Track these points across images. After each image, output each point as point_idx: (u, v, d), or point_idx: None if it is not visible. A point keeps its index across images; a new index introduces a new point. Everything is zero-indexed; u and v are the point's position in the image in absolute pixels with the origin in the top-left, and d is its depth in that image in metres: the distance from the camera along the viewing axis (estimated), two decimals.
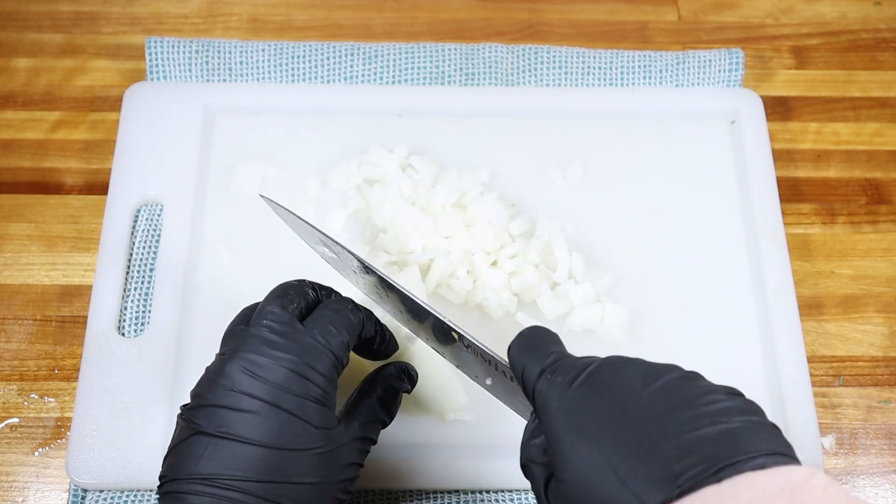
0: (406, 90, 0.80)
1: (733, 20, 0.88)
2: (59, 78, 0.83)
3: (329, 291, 0.56)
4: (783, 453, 0.40)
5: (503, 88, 0.80)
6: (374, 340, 0.57)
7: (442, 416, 0.65)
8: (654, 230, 0.74)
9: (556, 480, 0.44)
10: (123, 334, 0.68)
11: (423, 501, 0.64)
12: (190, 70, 0.79)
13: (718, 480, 0.38)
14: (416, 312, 0.56)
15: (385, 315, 0.61)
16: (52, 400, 0.68)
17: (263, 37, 0.85)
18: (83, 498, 0.63)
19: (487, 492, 0.64)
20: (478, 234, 0.70)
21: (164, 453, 0.51)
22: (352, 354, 0.56)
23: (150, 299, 0.70)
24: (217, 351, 0.53)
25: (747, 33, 0.87)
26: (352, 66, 0.80)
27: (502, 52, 0.81)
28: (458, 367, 0.56)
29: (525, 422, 0.50)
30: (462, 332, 0.53)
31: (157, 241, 0.72)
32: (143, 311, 0.69)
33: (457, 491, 0.64)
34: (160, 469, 0.51)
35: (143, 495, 0.63)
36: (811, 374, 0.69)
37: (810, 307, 0.73)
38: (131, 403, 0.65)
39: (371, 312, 0.57)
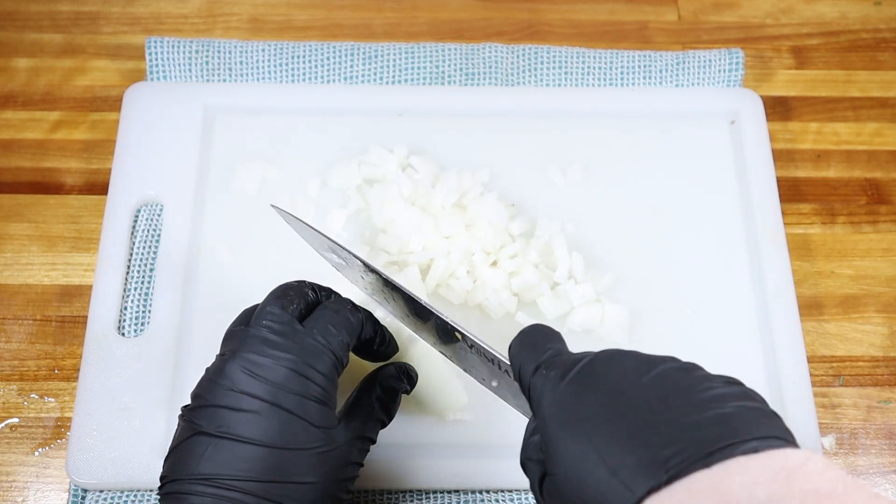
0: (406, 90, 0.80)
1: (733, 20, 0.88)
2: (59, 78, 0.83)
3: (329, 292, 0.56)
4: (779, 437, 0.39)
5: (503, 88, 0.80)
6: (373, 341, 0.57)
7: (442, 417, 0.65)
8: (654, 230, 0.74)
9: (549, 475, 0.43)
10: (123, 334, 0.68)
11: (423, 501, 0.64)
12: (190, 70, 0.79)
13: (708, 465, 0.37)
14: (420, 314, 0.56)
15: (386, 317, 0.61)
16: (52, 400, 0.68)
17: (263, 37, 0.85)
18: (83, 498, 0.63)
19: (487, 492, 0.64)
20: (478, 234, 0.70)
21: (165, 453, 0.51)
22: (351, 355, 0.56)
23: (150, 299, 0.70)
24: (217, 351, 0.53)
25: (747, 33, 0.87)
26: (352, 66, 0.80)
27: (502, 52, 0.81)
28: (464, 370, 0.56)
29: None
30: (465, 332, 0.53)
31: (157, 241, 0.72)
32: (143, 311, 0.69)
33: (457, 491, 0.64)
34: (160, 469, 0.51)
35: (143, 495, 0.63)
36: (811, 374, 0.69)
37: (810, 307, 0.73)
38: (131, 403, 0.65)
39: (370, 313, 0.57)
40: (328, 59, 0.80)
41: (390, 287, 0.56)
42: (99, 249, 0.71)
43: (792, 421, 0.66)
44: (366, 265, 0.56)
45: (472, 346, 0.53)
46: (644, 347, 0.46)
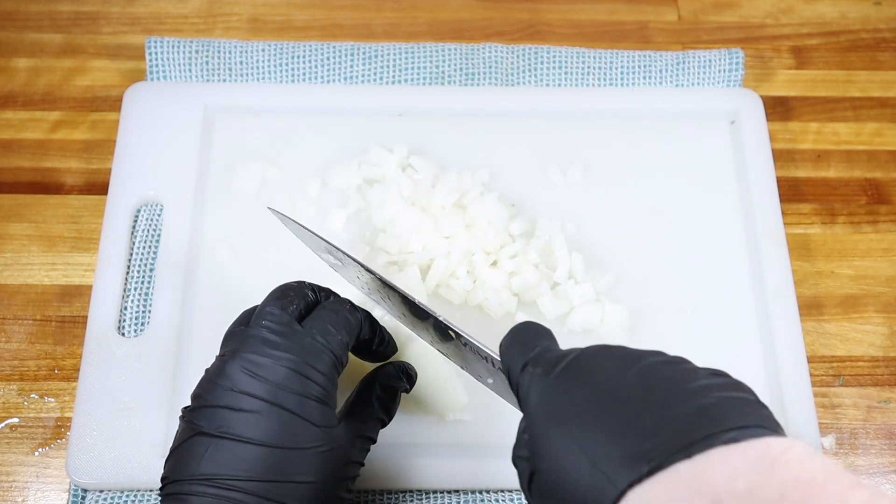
0: (406, 90, 0.80)
1: (733, 20, 0.88)
2: (59, 78, 0.82)
3: (328, 293, 0.56)
4: (762, 426, 0.38)
5: (503, 88, 0.80)
6: (372, 342, 0.57)
7: (442, 416, 0.65)
8: (654, 230, 0.74)
9: (536, 472, 0.43)
10: (123, 334, 0.68)
11: (423, 501, 0.64)
12: (190, 70, 0.79)
13: (689, 456, 0.36)
14: (417, 313, 0.56)
15: (384, 316, 0.61)
16: (52, 400, 0.68)
17: (263, 37, 0.85)
18: (83, 498, 0.63)
19: (487, 492, 0.64)
20: (478, 234, 0.70)
21: (165, 454, 0.51)
22: (350, 355, 0.56)
23: (150, 299, 0.70)
24: (217, 351, 0.53)
25: (747, 33, 0.87)
26: (352, 66, 0.80)
27: (502, 52, 0.81)
28: (462, 367, 0.56)
29: None
30: (458, 331, 0.53)
31: (157, 241, 0.72)
32: (143, 311, 0.69)
33: (457, 491, 0.64)
34: (160, 469, 0.51)
35: (143, 495, 0.63)
36: (811, 374, 0.69)
37: (810, 307, 0.73)
38: (131, 403, 0.65)
39: (369, 314, 0.57)
40: (328, 59, 0.80)
41: (387, 287, 0.56)
42: (99, 249, 0.71)
43: (792, 421, 0.66)
44: (362, 266, 0.56)
45: (466, 343, 0.53)
46: (644, 347, 0.46)
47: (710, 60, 0.81)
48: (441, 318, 0.53)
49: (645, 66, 0.81)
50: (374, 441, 0.55)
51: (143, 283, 0.70)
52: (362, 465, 0.54)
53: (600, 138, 0.77)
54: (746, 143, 0.77)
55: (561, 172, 0.76)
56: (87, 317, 0.68)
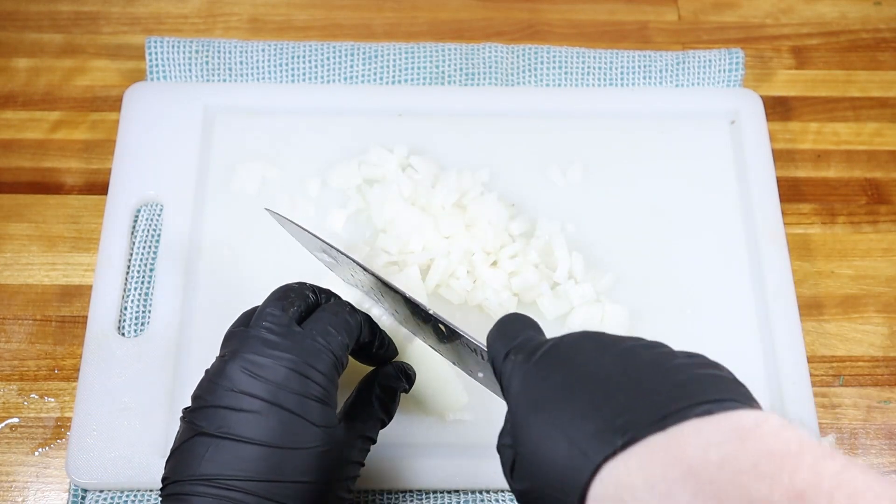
0: (406, 90, 0.80)
1: (733, 20, 0.88)
2: (59, 78, 0.82)
3: (329, 295, 0.56)
4: (735, 400, 0.38)
5: (503, 88, 0.80)
6: (372, 345, 0.57)
7: (442, 417, 0.65)
8: (654, 230, 0.74)
9: (517, 457, 0.43)
10: (123, 334, 0.68)
11: (423, 501, 0.64)
12: (190, 70, 0.79)
13: (663, 428, 0.36)
14: (416, 313, 0.56)
15: (382, 316, 0.61)
16: (52, 400, 0.68)
17: (263, 37, 0.85)
18: (83, 498, 0.63)
19: (487, 492, 0.64)
20: (478, 234, 0.70)
21: (165, 454, 0.51)
22: (350, 357, 0.57)
23: (150, 299, 0.70)
24: (217, 351, 0.53)
25: (747, 33, 0.87)
26: (352, 66, 0.80)
27: (502, 52, 0.81)
28: (453, 362, 0.56)
29: None
30: (448, 324, 0.53)
31: (157, 241, 0.72)
32: (143, 311, 0.69)
33: (457, 491, 0.64)
34: (161, 469, 0.51)
35: (143, 495, 0.63)
36: (811, 374, 0.69)
37: (810, 307, 0.73)
38: (131, 403, 0.65)
39: (369, 316, 0.57)
40: (328, 59, 0.80)
41: (382, 286, 0.56)
42: (99, 249, 0.71)
43: (792, 421, 0.66)
44: (360, 266, 0.56)
45: (458, 337, 0.53)
46: None
47: (710, 60, 0.81)
48: (432, 312, 0.53)
49: (645, 66, 0.81)
50: (374, 441, 0.56)
51: (143, 283, 0.70)
52: (362, 465, 0.54)
53: (600, 138, 0.77)
54: (746, 143, 0.77)
55: (561, 172, 0.76)
56: (87, 317, 0.68)
